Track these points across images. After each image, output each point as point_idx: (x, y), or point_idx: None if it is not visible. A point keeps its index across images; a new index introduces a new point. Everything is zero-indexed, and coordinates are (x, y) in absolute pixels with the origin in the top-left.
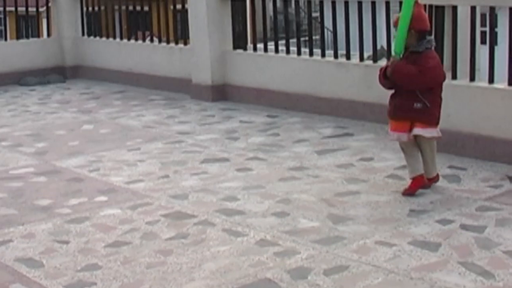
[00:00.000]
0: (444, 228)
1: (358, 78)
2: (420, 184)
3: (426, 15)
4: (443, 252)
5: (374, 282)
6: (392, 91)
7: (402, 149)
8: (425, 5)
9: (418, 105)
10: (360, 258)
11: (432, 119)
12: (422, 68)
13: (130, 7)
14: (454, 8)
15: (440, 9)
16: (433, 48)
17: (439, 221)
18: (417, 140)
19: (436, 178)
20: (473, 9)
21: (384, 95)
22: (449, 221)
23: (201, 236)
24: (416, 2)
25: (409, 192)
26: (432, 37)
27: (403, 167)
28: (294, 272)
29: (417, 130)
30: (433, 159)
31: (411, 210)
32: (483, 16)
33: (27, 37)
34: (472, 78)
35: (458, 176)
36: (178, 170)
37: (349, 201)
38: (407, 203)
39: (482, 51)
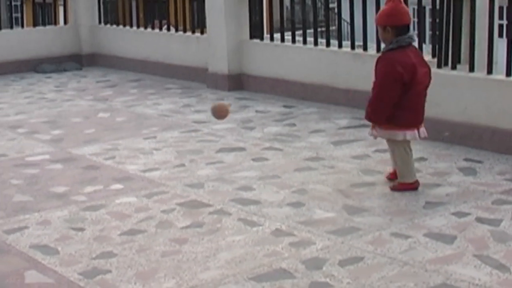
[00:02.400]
0: (459, 221)
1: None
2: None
3: (405, 8)
4: (459, 244)
5: (389, 274)
6: None
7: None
8: None
9: None
10: (376, 249)
11: (392, 121)
12: (376, 85)
13: None
14: (473, 1)
15: (458, 1)
16: (406, 44)
17: (454, 214)
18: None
19: (408, 186)
20: (491, 1)
21: None
22: (465, 214)
23: (217, 225)
24: None
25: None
26: (410, 33)
27: (419, 159)
28: (309, 263)
29: (375, 130)
30: (403, 163)
31: (427, 202)
32: (501, 8)
33: (44, 24)
34: (490, 71)
35: (474, 169)
36: (194, 159)
37: (364, 192)
38: (423, 195)
39: (500, 44)
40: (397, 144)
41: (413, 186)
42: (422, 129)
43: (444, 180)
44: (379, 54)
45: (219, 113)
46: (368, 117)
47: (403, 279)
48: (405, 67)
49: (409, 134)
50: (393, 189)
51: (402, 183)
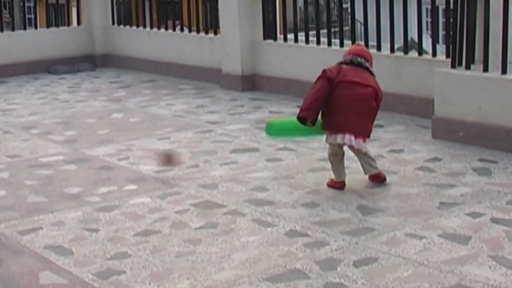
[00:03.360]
0: (474, 221)
1: (388, 70)
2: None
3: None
4: (473, 245)
5: (403, 275)
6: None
7: None
8: None
9: None
10: (390, 250)
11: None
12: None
13: None
14: (487, 1)
15: (472, 1)
16: (346, 62)
17: (469, 214)
18: None
19: (334, 183)
20: (505, 1)
21: (414, 87)
22: (480, 214)
23: (231, 226)
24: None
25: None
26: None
27: (433, 159)
28: (323, 263)
29: None
30: (331, 164)
31: (441, 203)
32: None
33: (57, 25)
34: (504, 71)
35: (488, 169)
36: (207, 159)
37: (379, 193)
38: (437, 195)
39: None
40: (329, 146)
41: (338, 185)
42: (348, 137)
43: (459, 180)
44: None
45: (167, 162)
46: (299, 114)
47: (417, 280)
48: (331, 68)
49: (331, 137)
50: (327, 184)
51: (332, 179)
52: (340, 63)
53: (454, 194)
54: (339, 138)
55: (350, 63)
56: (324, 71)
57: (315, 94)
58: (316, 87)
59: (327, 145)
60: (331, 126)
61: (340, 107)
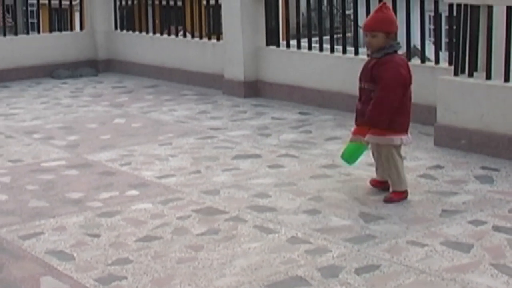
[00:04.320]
0: (476, 229)
1: None
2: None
3: (394, 17)
4: (475, 253)
5: (405, 282)
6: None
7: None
8: (460, 5)
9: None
10: (392, 257)
11: (392, 126)
12: (381, 89)
13: (163, 2)
14: (490, 8)
15: (475, 9)
16: (397, 51)
17: (471, 222)
18: None
19: (401, 195)
20: (509, 9)
21: (417, 95)
22: (482, 222)
23: (232, 232)
24: (384, 4)
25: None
26: (397, 41)
27: (436, 166)
28: (325, 270)
29: (366, 136)
30: (395, 171)
31: (444, 210)
32: None
33: (60, 30)
34: (507, 79)
35: (491, 177)
36: (209, 165)
37: (381, 200)
38: (439, 203)
39: None
40: (390, 150)
41: (405, 196)
42: (410, 136)
43: (461, 188)
44: (372, 59)
45: None
46: (373, 122)
47: None
48: (406, 69)
49: (405, 139)
50: (387, 200)
51: (395, 192)
52: (395, 51)
53: (456, 202)
54: (408, 139)
55: (396, 51)
56: (405, 77)
57: (393, 106)
58: (396, 97)
59: (389, 149)
60: (406, 127)
61: (406, 109)
